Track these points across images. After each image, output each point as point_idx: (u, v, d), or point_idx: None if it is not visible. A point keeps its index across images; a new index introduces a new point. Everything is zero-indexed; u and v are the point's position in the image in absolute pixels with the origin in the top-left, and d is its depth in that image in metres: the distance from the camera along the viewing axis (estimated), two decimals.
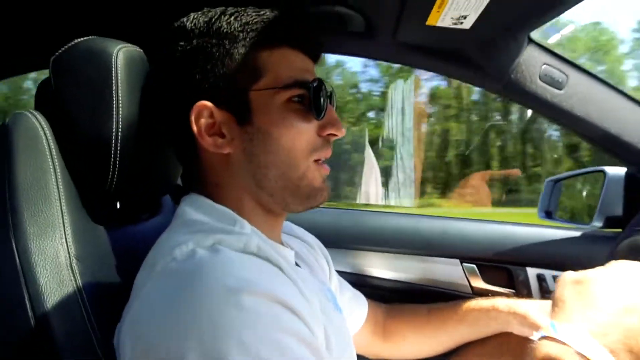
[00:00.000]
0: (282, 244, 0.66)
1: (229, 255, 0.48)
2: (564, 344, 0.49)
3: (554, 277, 1.05)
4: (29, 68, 0.98)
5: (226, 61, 0.56)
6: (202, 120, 0.57)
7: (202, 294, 0.43)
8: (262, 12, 0.59)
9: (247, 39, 0.57)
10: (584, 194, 1.39)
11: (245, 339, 0.41)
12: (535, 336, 0.52)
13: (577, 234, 1.09)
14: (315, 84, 0.58)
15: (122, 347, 0.47)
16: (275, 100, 0.57)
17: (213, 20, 0.57)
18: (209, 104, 0.57)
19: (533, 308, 0.81)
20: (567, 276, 0.59)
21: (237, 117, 0.57)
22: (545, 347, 0.50)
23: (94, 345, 0.50)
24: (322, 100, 0.59)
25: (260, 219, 0.60)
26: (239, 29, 0.57)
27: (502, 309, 0.83)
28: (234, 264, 0.47)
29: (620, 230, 1.02)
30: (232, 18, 0.57)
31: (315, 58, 0.64)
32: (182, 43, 0.57)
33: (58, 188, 0.56)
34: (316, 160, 0.61)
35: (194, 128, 0.56)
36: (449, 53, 0.88)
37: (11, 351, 0.49)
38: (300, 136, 0.58)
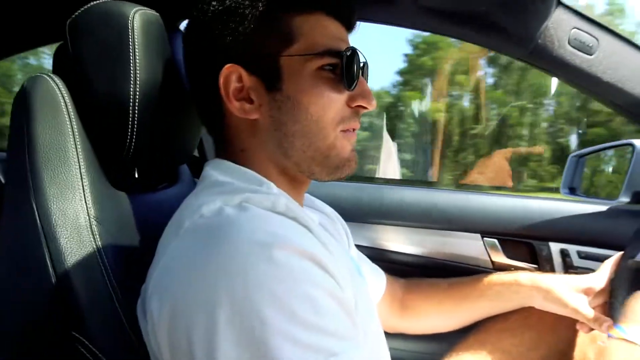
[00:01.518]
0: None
1: (257, 212, 0.48)
2: (633, 343, 0.50)
3: (578, 252, 1.02)
4: (48, 39, 0.98)
5: (259, 24, 0.55)
6: (231, 84, 0.56)
7: (232, 248, 0.42)
8: None
9: (282, 1, 0.55)
10: (610, 169, 1.35)
11: (278, 292, 0.40)
12: (602, 338, 0.56)
13: (603, 208, 1.05)
14: (348, 53, 0.56)
15: (149, 305, 0.47)
16: (306, 68, 0.55)
17: None
18: (238, 67, 0.55)
19: (557, 283, 0.79)
20: None
21: (267, 82, 0.56)
22: (615, 347, 0.50)
23: (114, 306, 0.51)
24: (354, 70, 0.57)
25: (284, 185, 0.59)
26: None
27: (524, 283, 0.81)
28: (263, 220, 0.46)
29: None
30: None
31: (350, 26, 0.62)
32: (214, 3, 0.56)
33: (77, 151, 0.56)
34: (344, 131, 0.59)
35: (222, 91, 0.56)
36: (473, 17, 0.85)
37: (34, 309, 0.50)
38: (330, 106, 0.56)
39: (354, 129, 0.60)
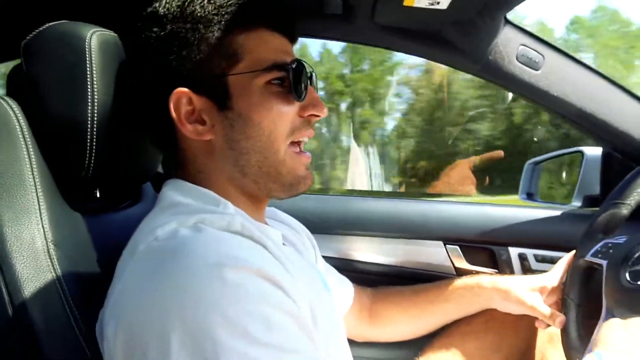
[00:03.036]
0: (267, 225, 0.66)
1: (211, 232, 0.48)
2: None
3: (535, 256, 1.07)
4: (2, 57, 0.95)
5: (202, 46, 0.55)
6: (182, 108, 0.56)
7: (185, 270, 0.42)
8: None
9: (222, 22, 0.55)
10: (563, 175, 1.42)
11: (231, 313, 0.41)
12: None
13: (557, 213, 1.11)
14: (294, 65, 0.57)
15: (105, 331, 0.46)
16: (254, 84, 0.56)
17: (186, 4, 0.56)
18: (187, 90, 0.55)
19: (515, 283, 0.83)
20: (617, 320, 0.65)
21: (217, 102, 0.56)
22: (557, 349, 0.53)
23: (74, 332, 0.50)
24: (302, 81, 0.58)
25: (244, 203, 0.60)
26: (213, 12, 0.55)
27: (485, 286, 0.85)
28: (217, 241, 0.47)
29: (597, 209, 1.04)
30: (206, 1, 0.56)
31: (293, 38, 0.63)
32: (155, 29, 0.56)
33: (33, 174, 0.55)
34: (296, 143, 0.60)
35: (174, 115, 0.56)
36: (427, 34, 0.88)
37: None
38: (280, 119, 0.57)
39: (307, 140, 0.62)
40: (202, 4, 0.55)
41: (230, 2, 0.56)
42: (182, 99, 0.56)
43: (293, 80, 0.57)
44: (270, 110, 0.57)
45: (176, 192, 0.57)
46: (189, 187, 0.58)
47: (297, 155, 0.60)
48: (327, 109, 0.62)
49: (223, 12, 0.56)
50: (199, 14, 0.55)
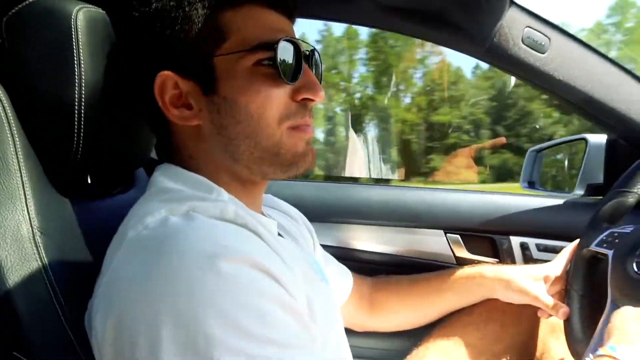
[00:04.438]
0: (263, 214, 0.64)
1: (204, 221, 0.46)
2: None
3: (537, 245, 1.06)
4: None
5: (186, 25, 0.51)
6: (167, 92, 0.53)
7: (176, 260, 0.41)
8: None
9: (211, 0, 0.52)
10: (566, 163, 1.40)
11: (223, 305, 0.39)
12: (589, 357, 0.57)
13: (560, 202, 1.09)
14: (282, 44, 0.52)
15: (94, 322, 0.45)
16: (240, 65, 0.52)
17: None
18: (172, 73, 0.53)
19: (518, 273, 0.81)
20: (629, 311, 0.63)
21: (202, 86, 0.53)
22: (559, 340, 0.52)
23: (61, 322, 0.48)
24: (292, 61, 0.53)
25: (238, 190, 0.57)
26: None
27: (488, 275, 0.83)
28: (210, 230, 0.45)
29: (601, 197, 1.02)
30: None
31: (291, 15, 0.58)
32: (141, 8, 0.53)
33: (17, 158, 0.52)
34: (294, 128, 0.56)
35: (159, 100, 0.53)
36: (431, 16, 0.86)
37: None
38: (269, 102, 0.53)
39: (306, 125, 0.57)
40: None
41: None
42: (167, 83, 0.53)
43: (281, 61, 0.52)
44: (258, 93, 0.53)
45: (167, 178, 0.55)
46: (180, 172, 0.56)
47: (295, 131, 0.56)
48: (323, 93, 0.57)
49: None
50: None
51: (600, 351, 0.56)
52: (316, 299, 0.53)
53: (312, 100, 0.56)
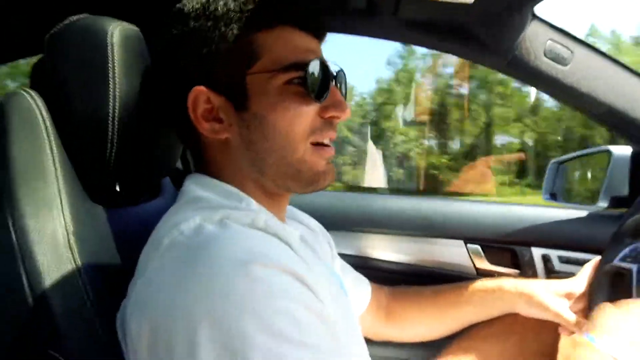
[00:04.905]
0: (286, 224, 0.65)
1: (237, 229, 0.47)
2: (601, 351, 0.52)
3: (559, 257, 1.04)
4: (26, 53, 0.96)
5: (221, 44, 0.54)
6: (200, 106, 0.56)
7: (211, 267, 0.42)
8: None
9: (242, 20, 0.54)
10: (589, 175, 1.38)
11: (257, 308, 0.40)
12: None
13: (583, 213, 1.08)
14: (313, 65, 0.55)
15: (127, 325, 0.46)
16: (272, 84, 0.55)
17: (210, 1, 0.55)
18: (205, 89, 0.55)
19: (539, 288, 0.80)
20: (610, 306, 0.64)
21: (234, 102, 0.56)
22: (582, 355, 0.52)
23: (94, 322, 0.50)
24: (321, 81, 0.56)
25: (264, 201, 0.59)
26: (235, 9, 0.55)
27: (508, 289, 0.82)
28: (243, 238, 0.46)
29: (625, 210, 1.01)
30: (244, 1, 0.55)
31: (320, 36, 0.61)
32: (179, 26, 0.56)
33: (55, 167, 0.55)
34: (317, 144, 0.58)
35: (191, 113, 0.56)
36: (452, 29, 0.87)
37: (10, 329, 0.48)
38: (298, 119, 0.56)
39: (329, 140, 0.60)
40: (224, 2, 0.55)
41: (252, 0, 0.55)
42: (200, 97, 0.55)
43: (310, 80, 0.55)
44: (287, 110, 0.55)
45: (198, 187, 0.57)
46: (212, 182, 0.58)
47: (317, 150, 0.58)
48: (350, 110, 0.60)
49: (245, 10, 0.55)
50: (220, 12, 0.55)
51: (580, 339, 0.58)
52: (337, 310, 0.54)
53: (338, 117, 0.59)
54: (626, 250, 0.74)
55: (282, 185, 0.59)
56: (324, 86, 0.56)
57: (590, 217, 1.07)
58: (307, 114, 0.56)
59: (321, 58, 0.57)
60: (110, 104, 0.57)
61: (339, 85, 0.62)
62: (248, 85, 0.55)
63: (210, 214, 0.49)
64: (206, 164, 0.60)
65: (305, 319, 0.43)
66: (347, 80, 0.66)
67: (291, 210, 0.79)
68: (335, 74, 0.60)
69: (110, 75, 0.57)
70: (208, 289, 0.41)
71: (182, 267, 0.44)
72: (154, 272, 0.46)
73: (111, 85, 0.57)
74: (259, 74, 0.55)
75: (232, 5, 0.55)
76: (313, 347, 0.42)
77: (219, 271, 0.42)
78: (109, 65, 0.57)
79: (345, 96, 0.64)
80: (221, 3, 0.55)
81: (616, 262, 0.74)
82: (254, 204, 0.56)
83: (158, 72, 0.60)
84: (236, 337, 0.39)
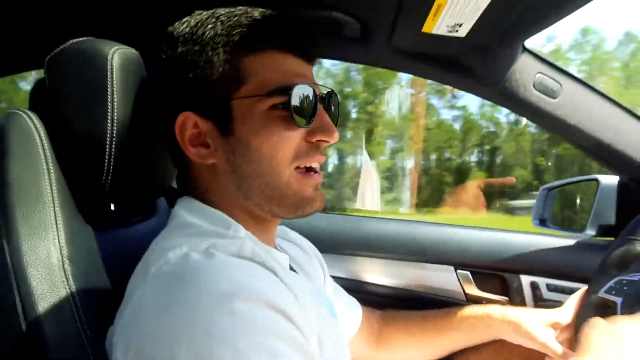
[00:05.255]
0: (276, 248, 0.66)
1: (223, 259, 0.47)
2: None
3: (547, 285, 1.05)
4: (25, 67, 0.97)
5: (207, 69, 0.54)
6: (187, 131, 0.56)
7: (195, 298, 0.42)
8: (250, 14, 0.56)
9: (229, 44, 0.54)
10: (578, 202, 1.40)
11: (239, 345, 0.40)
12: None
13: (571, 242, 1.09)
14: (296, 90, 0.54)
15: (114, 351, 0.46)
16: (257, 108, 0.54)
17: (198, 25, 0.55)
18: (192, 114, 0.56)
19: (527, 317, 0.81)
20: (598, 324, 0.63)
21: (220, 126, 0.56)
22: None
23: (86, 349, 0.50)
24: (307, 105, 0.55)
25: (251, 225, 0.59)
26: (222, 33, 0.54)
27: (496, 317, 0.83)
28: (228, 268, 0.46)
29: (612, 238, 1.02)
30: (218, 22, 0.55)
31: (309, 59, 0.60)
32: (168, 51, 0.56)
33: (52, 189, 0.56)
34: (304, 169, 0.58)
35: (179, 139, 0.56)
36: (444, 60, 0.89)
37: (1, 354, 0.48)
38: (283, 144, 0.55)
39: (316, 165, 0.59)
40: (212, 26, 0.55)
41: (240, 23, 0.55)
42: (187, 122, 0.56)
43: (295, 105, 0.54)
44: (271, 135, 0.54)
45: (187, 212, 0.57)
46: (199, 206, 0.58)
47: (303, 176, 0.58)
48: (338, 134, 0.59)
49: (231, 35, 0.55)
50: (207, 36, 0.55)
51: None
52: (325, 334, 0.54)
53: (325, 141, 0.58)
54: (611, 283, 0.75)
55: (267, 210, 0.58)
56: (310, 110, 0.55)
57: (578, 246, 1.08)
58: (292, 138, 0.56)
59: (308, 82, 0.57)
60: (109, 125, 0.58)
61: (329, 108, 0.61)
62: (233, 110, 0.55)
63: (197, 242, 0.49)
64: (195, 188, 0.60)
65: (287, 354, 0.42)
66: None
67: (283, 229, 0.79)
68: (324, 95, 0.60)
69: (109, 97, 0.58)
70: (191, 321, 0.41)
71: (167, 297, 0.44)
72: (139, 300, 0.47)
73: (109, 107, 0.58)
74: (245, 98, 0.55)
75: (219, 29, 0.55)
76: None
77: (201, 304, 0.42)
78: (108, 87, 0.58)
79: (337, 119, 0.64)
80: (209, 27, 0.55)
81: (601, 293, 0.75)
82: (241, 230, 0.56)
83: (150, 96, 0.61)
84: None
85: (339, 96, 0.65)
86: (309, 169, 0.59)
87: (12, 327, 0.48)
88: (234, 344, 0.40)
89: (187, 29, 0.56)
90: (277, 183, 0.56)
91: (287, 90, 0.54)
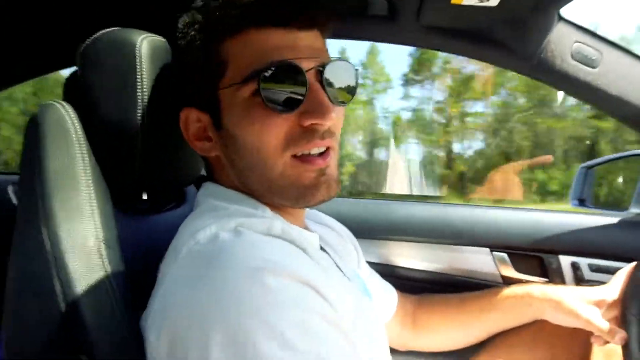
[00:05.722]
0: (306, 228, 0.65)
1: (252, 237, 0.48)
2: None
3: (590, 265, 1.01)
4: (59, 65, 1.00)
5: (192, 60, 0.53)
6: (191, 126, 0.56)
7: (226, 275, 0.43)
8: None
9: (207, 30, 0.51)
10: (620, 179, 1.33)
11: (270, 318, 0.41)
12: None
13: (614, 220, 1.04)
14: (272, 70, 0.48)
15: (149, 333, 0.47)
16: (237, 97, 0.50)
17: (194, 14, 0.53)
18: (193, 109, 0.56)
19: (569, 294, 0.78)
20: None
21: (214, 119, 0.55)
22: None
23: (122, 327, 0.51)
24: (288, 86, 0.49)
25: (275, 210, 0.58)
26: (200, 20, 0.52)
27: (536, 296, 0.80)
28: (258, 246, 0.46)
29: None
30: (199, 11, 0.52)
31: (298, 26, 0.51)
32: (178, 42, 0.56)
33: (86, 175, 0.57)
34: (298, 156, 0.52)
35: (185, 134, 0.57)
36: (475, 34, 0.86)
37: (43, 333, 0.50)
38: (267, 133, 0.50)
39: (317, 151, 0.53)
40: (206, 12, 0.52)
41: (215, 7, 0.51)
42: (190, 117, 0.56)
43: (264, 90, 0.48)
44: (252, 125, 0.50)
45: (212, 197, 0.58)
46: (224, 191, 0.58)
47: (301, 163, 0.52)
48: (333, 115, 0.50)
49: (209, 20, 0.52)
50: (200, 25, 0.52)
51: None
52: (358, 313, 0.53)
53: (319, 124, 0.51)
54: None
55: (270, 200, 0.56)
56: (291, 92, 0.49)
57: (623, 224, 1.03)
58: (278, 125, 0.50)
59: (291, 58, 0.49)
60: (139, 114, 0.59)
61: (329, 83, 0.52)
62: (221, 101, 0.53)
63: (226, 222, 0.49)
64: (216, 177, 0.61)
65: (317, 328, 0.42)
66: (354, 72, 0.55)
67: (317, 214, 0.79)
68: (321, 69, 0.51)
69: (139, 85, 0.59)
70: (222, 295, 0.41)
71: (198, 277, 0.44)
72: (171, 282, 0.47)
73: (139, 96, 0.59)
74: (228, 88, 0.51)
75: (199, 16, 0.52)
76: (324, 356, 0.41)
77: (232, 280, 0.42)
78: (137, 75, 0.59)
79: (347, 93, 0.55)
80: (202, 14, 0.52)
81: None
82: (269, 211, 0.56)
83: (170, 85, 0.61)
84: (248, 348, 0.39)
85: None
86: (307, 154, 0.53)
87: (52, 308, 0.49)
88: (264, 317, 0.40)
89: (187, 20, 0.55)
90: (272, 175, 0.53)
91: (259, 73, 0.48)
